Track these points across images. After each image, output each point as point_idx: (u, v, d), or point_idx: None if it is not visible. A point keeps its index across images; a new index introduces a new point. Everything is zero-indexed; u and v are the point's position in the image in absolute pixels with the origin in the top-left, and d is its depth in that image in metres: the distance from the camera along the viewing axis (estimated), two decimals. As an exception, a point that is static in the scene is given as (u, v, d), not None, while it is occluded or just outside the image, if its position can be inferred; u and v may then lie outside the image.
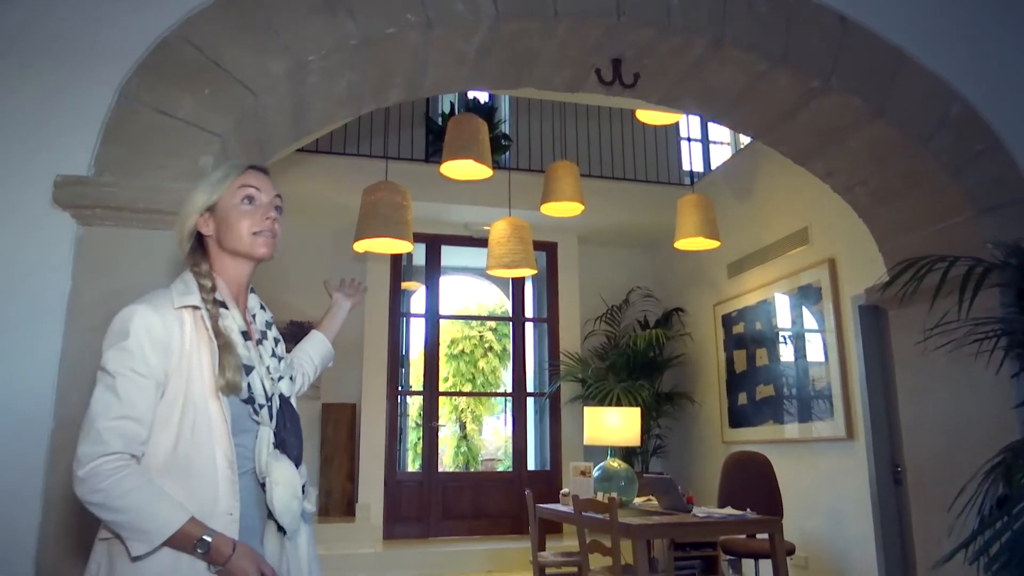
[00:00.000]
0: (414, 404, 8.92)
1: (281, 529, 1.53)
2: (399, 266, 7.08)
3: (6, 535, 1.96)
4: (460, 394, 12.00)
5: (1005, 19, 3.22)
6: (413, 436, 9.69)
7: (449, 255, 7.53)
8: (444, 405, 11.25)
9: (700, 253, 6.13)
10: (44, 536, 1.96)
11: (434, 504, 6.80)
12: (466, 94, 8.08)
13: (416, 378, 8.48)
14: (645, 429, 6.23)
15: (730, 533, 4.26)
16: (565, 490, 4.94)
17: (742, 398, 6.11)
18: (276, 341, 1.67)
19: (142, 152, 2.15)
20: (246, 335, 1.57)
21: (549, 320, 7.44)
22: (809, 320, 5.36)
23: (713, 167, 8.05)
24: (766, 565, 4.67)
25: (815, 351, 5.27)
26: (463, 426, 11.95)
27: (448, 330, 11.39)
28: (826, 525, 5.06)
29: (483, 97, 8.14)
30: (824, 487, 5.11)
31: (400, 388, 7.20)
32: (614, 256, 7.78)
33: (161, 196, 2.10)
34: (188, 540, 1.36)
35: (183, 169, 2.13)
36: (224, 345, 1.49)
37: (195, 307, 1.50)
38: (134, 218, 2.09)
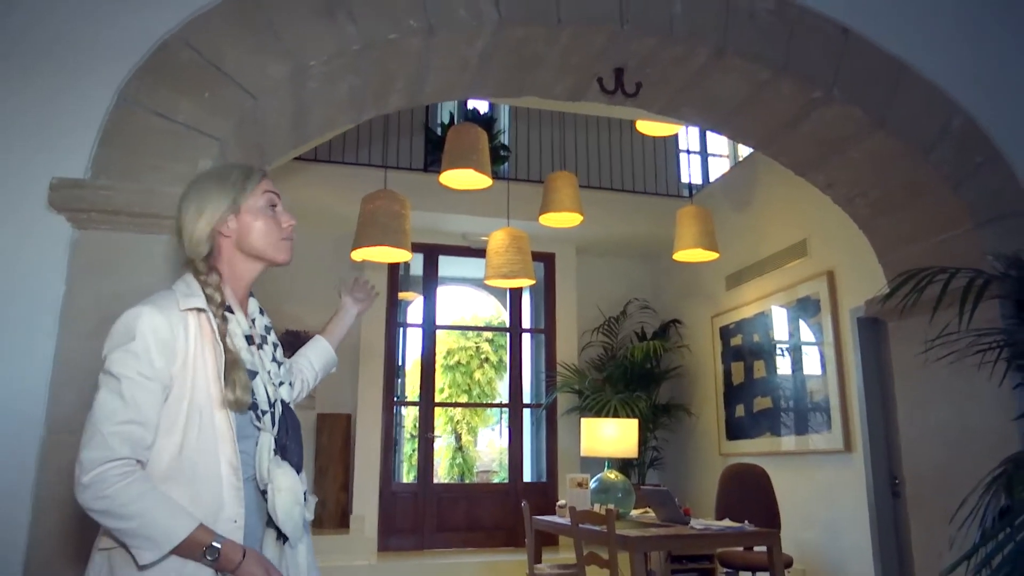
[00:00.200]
0: (409, 415, 8.88)
1: (280, 537, 1.50)
2: (396, 276, 7.06)
3: (3, 534, 1.93)
4: (456, 405, 11.95)
5: (1006, 32, 3.23)
6: (408, 447, 9.63)
7: (446, 265, 7.52)
8: (439, 416, 11.19)
9: (698, 265, 6.13)
10: (35, 538, 1.93)
11: (429, 516, 6.75)
12: (465, 104, 8.09)
13: (412, 389, 8.45)
14: (642, 441, 6.20)
15: (728, 545, 4.23)
16: (561, 502, 4.90)
17: (740, 410, 6.09)
18: (275, 346, 1.65)
19: (140, 155, 2.13)
20: (250, 339, 1.55)
21: (546, 331, 7.41)
22: (807, 332, 5.35)
23: (711, 179, 8.06)
24: (763, 578, 4.65)
25: (813, 363, 5.26)
26: (458, 437, 11.89)
27: (444, 341, 11.34)
28: (823, 537, 5.03)
29: (483, 107, 8.15)
30: (821, 499, 5.08)
31: (396, 399, 7.15)
32: (612, 267, 7.77)
33: (158, 200, 2.07)
34: (197, 547, 1.34)
35: (181, 173, 2.11)
36: (233, 362, 1.46)
37: (200, 309, 1.48)
38: (130, 222, 2.07)
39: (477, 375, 11.79)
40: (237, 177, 1.59)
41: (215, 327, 1.47)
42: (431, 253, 7.22)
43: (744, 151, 8.09)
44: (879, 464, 4.65)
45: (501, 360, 11.71)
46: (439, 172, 4.65)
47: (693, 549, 4.74)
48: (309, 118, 2.70)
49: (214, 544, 1.35)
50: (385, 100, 2.92)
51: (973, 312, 2.51)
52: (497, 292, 9.09)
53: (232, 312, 1.54)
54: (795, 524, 5.00)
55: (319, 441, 6.53)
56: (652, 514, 4.58)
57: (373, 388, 6.62)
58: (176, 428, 1.40)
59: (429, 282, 7.30)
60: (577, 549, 4.06)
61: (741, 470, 5.10)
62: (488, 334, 12.04)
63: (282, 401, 1.57)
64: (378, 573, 5.89)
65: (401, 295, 7.29)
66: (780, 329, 5.68)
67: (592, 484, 4.68)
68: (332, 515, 6.44)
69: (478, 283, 9.00)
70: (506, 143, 7.82)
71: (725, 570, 4.91)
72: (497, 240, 4.93)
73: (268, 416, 1.50)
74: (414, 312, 8.01)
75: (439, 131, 7.57)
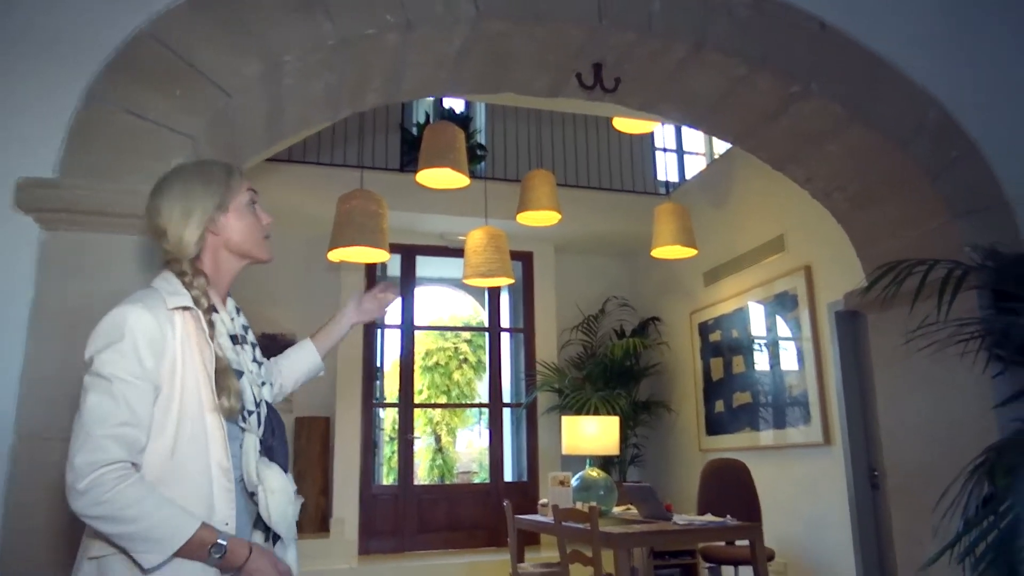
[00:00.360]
0: (388, 417, 8.82)
1: (269, 539, 1.47)
2: (373, 277, 7.00)
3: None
4: (436, 406, 11.90)
5: (980, 26, 3.26)
6: (387, 449, 9.57)
7: (424, 265, 7.47)
8: (419, 418, 11.14)
9: (676, 262, 6.13)
10: (6, 547, 1.87)
11: (410, 518, 6.70)
12: (441, 103, 8.05)
13: (391, 390, 8.39)
14: (622, 438, 6.20)
15: (711, 540, 4.24)
16: (543, 500, 4.89)
17: (719, 406, 6.12)
18: (254, 346, 1.61)
19: (110, 154, 2.08)
20: (234, 339, 1.52)
21: (525, 330, 7.39)
22: (785, 327, 5.38)
23: (687, 177, 8.10)
24: (745, 572, 4.66)
25: (791, 358, 5.29)
26: (438, 439, 11.84)
27: (422, 342, 11.29)
28: (804, 530, 5.06)
29: (459, 106, 8.12)
30: (802, 493, 5.11)
31: (375, 401, 7.10)
32: (590, 265, 7.77)
33: (131, 200, 2.02)
34: (202, 546, 1.31)
35: (154, 172, 2.02)
36: (224, 369, 1.43)
37: (186, 308, 1.44)
38: (101, 222, 2.01)
39: (456, 376, 11.76)
40: (221, 176, 1.56)
41: (204, 327, 1.44)
42: (408, 253, 7.17)
43: (720, 148, 8.14)
44: (858, 456, 4.68)
45: (480, 360, 11.68)
46: (415, 172, 4.61)
47: (676, 545, 4.76)
48: (284, 116, 2.65)
49: (220, 542, 1.32)
50: (362, 98, 2.88)
51: (951, 303, 2.53)
52: (475, 292, 9.06)
53: (217, 312, 1.51)
54: (776, 517, 5.02)
55: (298, 444, 6.45)
56: (634, 511, 4.58)
57: (351, 390, 6.56)
58: (167, 430, 1.36)
59: (407, 283, 7.25)
60: (560, 547, 4.04)
61: (722, 465, 5.12)
62: (466, 334, 12.00)
63: (266, 402, 1.54)
64: (359, 577, 5.84)
65: (379, 296, 7.22)
66: (758, 324, 5.71)
67: (574, 482, 4.67)
68: (312, 519, 6.37)
69: (456, 283, 8.96)
70: (482, 142, 7.79)
71: (708, 565, 4.93)
72: (475, 239, 4.90)
73: (254, 417, 1.48)
74: (392, 313, 7.95)
75: (415, 131, 7.52)
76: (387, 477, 9.17)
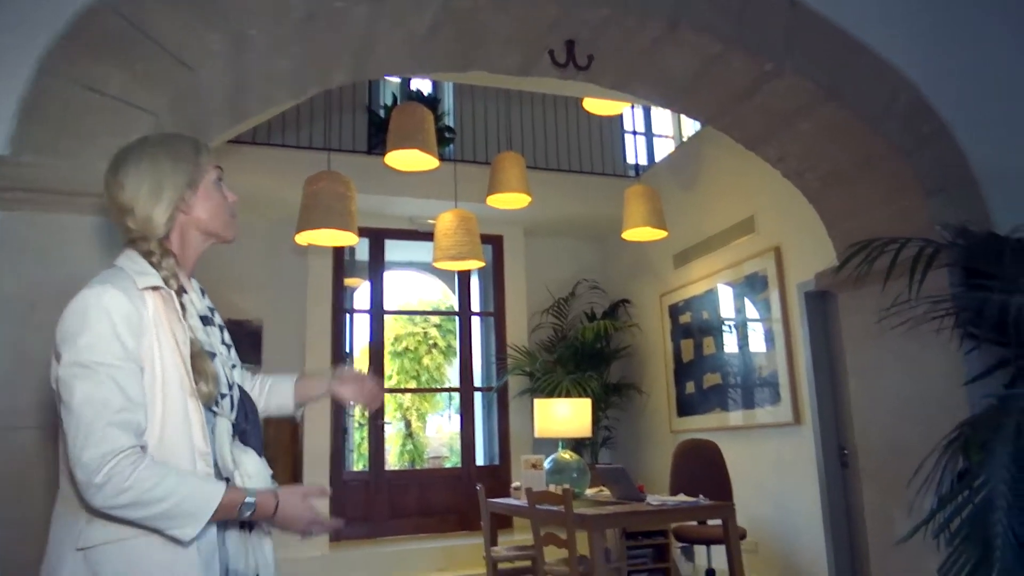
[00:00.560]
0: (358, 402, 8.73)
1: (245, 527, 1.42)
2: (341, 261, 6.90)
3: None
4: (407, 391, 11.84)
5: (952, 7, 3.27)
6: (357, 435, 9.50)
7: (393, 249, 7.39)
8: (389, 403, 11.08)
9: (646, 244, 6.13)
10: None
11: (381, 503, 6.66)
12: (409, 85, 7.95)
13: (360, 376, 8.29)
14: (594, 421, 6.20)
15: (684, 520, 4.26)
16: (516, 484, 4.88)
17: (690, 387, 6.15)
18: (222, 328, 1.55)
19: (68, 131, 1.99)
20: (204, 319, 1.46)
21: (496, 314, 7.36)
22: (755, 308, 5.41)
23: (656, 160, 8.10)
24: (717, 550, 4.70)
25: (761, 339, 5.32)
26: (408, 424, 11.79)
27: (391, 327, 11.21)
28: (774, 509, 5.12)
29: (426, 88, 8.02)
30: (772, 472, 5.17)
31: (344, 386, 7.00)
32: (560, 248, 7.75)
33: (90, 178, 1.92)
34: (233, 507, 1.31)
35: (113, 149, 1.96)
36: (199, 352, 1.37)
37: (156, 287, 1.38)
38: (59, 201, 1.92)
39: (426, 361, 11.71)
40: (190, 152, 1.49)
41: (177, 307, 1.38)
42: (377, 237, 7.08)
43: (688, 131, 8.15)
44: (828, 435, 4.73)
45: (450, 345, 11.64)
46: (383, 154, 4.53)
47: (650, 525, 4.78)
48: (250, 93, 2.57)
49: (248, 500, 1.33)
50: (330, 75, 2.80)
51: (923, 280, 2.55)
52: (445, 276, 8.99)
53: (186, 293, 1.45)
54: (746, 497, 5.06)
55: (267, 432, 6.21)
56: (607, 493, 4.59)
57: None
58: (155, 415, 1.31)
59: (376, 267, 7.16)
60: (535, 530, 4.03)
61: (693, 446, 5.15)
62: (435, 319, 11.95)
63: (238, 385, 1.48)
64: (331, 563, 5.79)
65: (347, 282, 7.14)
66: (728, 306, 5.74)
67: (547, 465, 4.66)
68: (281, 507, 6.30)
69: (425, 267, 8.89)
70: (451, 125, 7.71)
71: (680, 545, 4.97)
72: (445, 222, 4.85)
73: (227, 400, 1.42)
74: (360, 298, 7.86)
75: (382, 113, 7.41)
76: (357, 463, 9.10)
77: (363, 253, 7.16)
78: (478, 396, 7.37)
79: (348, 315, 7.15)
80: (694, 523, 4.67)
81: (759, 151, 3.49)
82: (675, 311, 6.44)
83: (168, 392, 1.33)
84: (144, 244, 1.42)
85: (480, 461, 7.22)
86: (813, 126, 3.19)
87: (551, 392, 6.31)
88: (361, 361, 8.01)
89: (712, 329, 5.89)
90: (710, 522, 4.61)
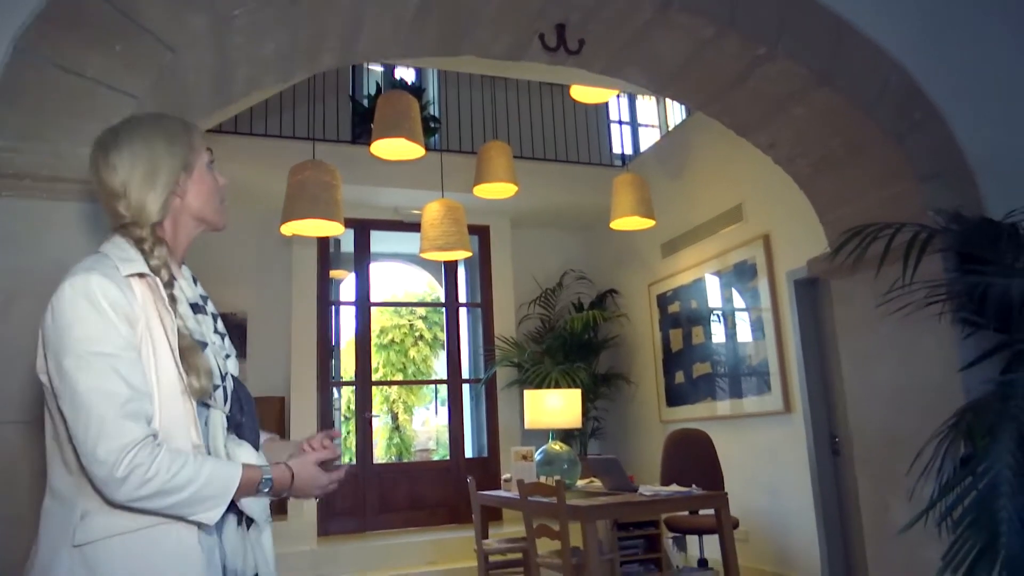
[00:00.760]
0: (344, 396, 8.68)
1: (242, 522, 1.36)
2: (327, 252, 6.82)
3: None
4: (395, 383, 11.77)
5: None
6: (344, 429, 9.42)
7: (378, 240, 7.31)
8: (375, 396, 11.00)
9: (633, 234, 6.11)
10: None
11: (370, 497, 6.60)
12: (393, 74, 7.87)
13: (346, 369, 8.23)
14: (583, 411, 6.19)
15: (677, 510, 4.24)
16: (506, 476, 4.84)
17: (679, 377, 6.13)
18: (215, 317, 1.48)
19: (45, 114, 1.91)
20: (195, 307, 1.40)
21: (483, 305, 7.31)
22: (745, 296, 5.40)
23: (641, 149, 8.07)
24: (708, 540, 4.69)
25: (751, 327, 5.31)
26: (395, 417, 11.73)
27: (377, 319, 11.12)
28: (766, 498, 5.12)
29: (410, 77, 7.94)
30: (763, 461, 5.16)
31: (332, 379, 6.94)
32: (547, 239, 7.71)
33: (69, 163, 1.86)
34: (251, 485, 1.31)
35: (94, 133, 1.87)
36: (190, 347, 1.31)
37: (143, 275, 1.31)
38: (38, 187, 1.85)
39: (412, 353, 11.63)
40: (183, 133, 1.42)
41: (163, 296, 1.32)
42: (362, 228, 7.00)
43: (673, 121, 8.12)
44: (819, 423, 4.73)
45: (436, 337, 11.57)
46: (368, 144, 4.46)
47: (643, 515, 4.75)
48: (234, 77, 2.49)
49: (266, 477, 1.32)
50: (315, 59, 2.73)
51: (917, 265, 2.53)
52: (431, 267, 8.93)
53: (176, 281, 1.38)
54: (737, 486, 5.06)
55: None
56: (598, 483, 4.56)
57: (307, 369, 6.40)
58: (154, 407, 1.26)
59: (361, 258, 7.09)
60: (527, 522, 4.00)
61: (684, 436, 5.13)
62: (421, 311, 11.87)
63: (232, 375, 1.42)
64: (319, 558, 5.73)
65: (332, 273, 7.06)
66: (717, 294, 5.72)
67: (537, 456, 4.62)
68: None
69: (411, 258, 8.82)
70: (436, 115, 7.63)
71: (672, 535, 4.95)
72: (432, 212, 4.79)
73: (220, 392, 1.36)
74: (346, 290, 7.79)
75: (366, 102, 7.32)
76: (344, 457, 9.04)
77: (348, 244, 7.08)
78: (466, 388, 7.33)
79: (334, 307, 7.08)
80: (685, 513, 4.66)
81: (750, 137, 3.45)
82: (663, 301, 6.41)
83: (163, 383, 1.27)
84: (136, 230, 1.35)
85: (469, 453, 7.18)
86: (805, 112, 3.16)
87: (540, 383, 6.27)
88: (347, 353, 7.93)
89: (701, 318, 5.88)
90: (701, 512, 4.60)
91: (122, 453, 1.17)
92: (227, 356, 1.44)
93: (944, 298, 2.54)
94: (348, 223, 6.30)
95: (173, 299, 1.33)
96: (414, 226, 5.86)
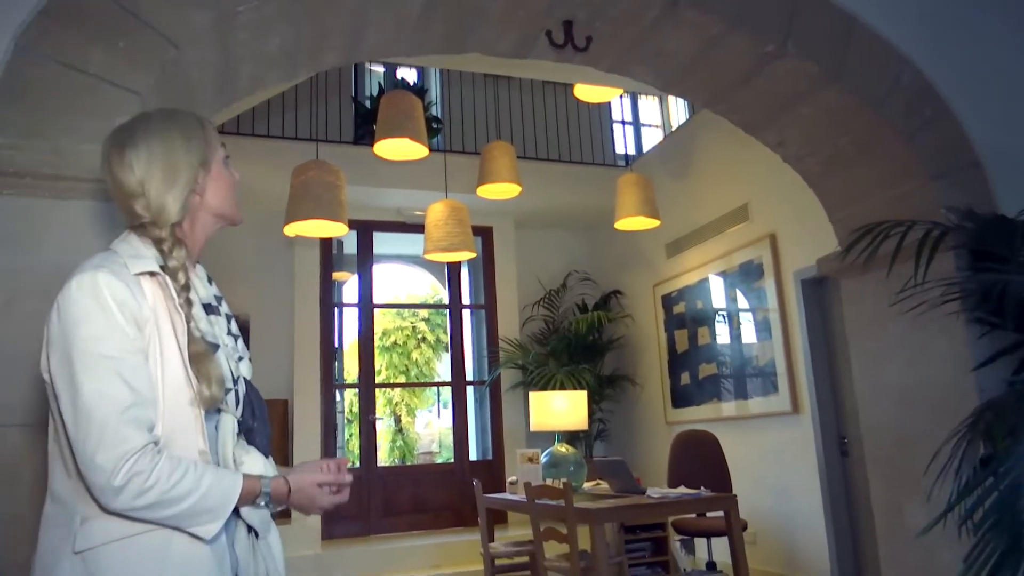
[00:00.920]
0: (346, 398, 8.64)
1: (251, 532, 1.32)
2: (329, 253, 6.78)
3: None
4: (399, 385, 11.72)
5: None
6: (347, 431, 9.39)
7: (381, 242, 7.28)
8: (378, 399, 10.96)
9: (637, 234, 6.08)
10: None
11: (374, 500, 6.56)
12: (395, 74, 7.85)
13: (349, 371, 8.20)
14: (588, 413, 6.15)
15: (686, 512, 4.20)
16: (512, 478, 4.80)
17: (685, 378, 6.09)
18: (229, 318, 1.44)
19: (47, 111, 1.87)
20: (208, 308, 1.35)
21: (487, 306, 7.27)
22: (751, 296, 5.36)
23: (643, 150, 8.04)
24: (717, 542, 4.65)
25: (758, 327, 5.27)
26: (398, 419, 11.69)
27: (379, 321, 11.09)
28: (773, 500, 5.08)
29: (412, 78, 7.92)
30: (770, 462, 5.12)
31: (335, 381, 6.90)
32: (550, 240, 7.67)
33: (70, 161, 1.83)
34: (250, 497, 1.27)
35: (96, 131, 1.85)
36: (202, 353, 1.26)
37: (153, 273, 1.27)
38: (40, 186, 1.81)
39: (415, 355, 11.59)
40: (198, 128, 1.38)
41: (173, 295, 1.27)
42: (365, 229, 6.97)
43: (676, 121, 8.09)
44: (827, 424, 4.69)
45: (439, 339, 11.54)
46: (370, 145, 4.43)
47: (653, 518, 4.72)
48: (238, 74, 2.46)
49: (265, 490, 1.28)
50: (319, 57, 2.70)
51: (929, 263, 2.49)
52: (434, 269, 8.89)
53: (192, 285, 1.34)
54: (745, 488, 5.01)
55: None
56: (604, 486, 4.52)
57: (310, 372, 6.36)
58: (156, 411, 1.22)
59: (364, 259, 7.05)
60: (534, 525, 3.96)
61: (692, 437, 5.09)
62: (424, 313, 11.84)
63: (244, 379, 1.38)
64: (323, 562, 5.70)
65: (335, 276, 7.03)
66: (723, 295, 5.69)
67: (543, 458, 4.58)
68: (272, 505, 6.19)
69: (413, 260, 8.79)
70: (438, 115, 7.60)
71: (679, 538, 4.91)
72: (436, 212, 4.75)
73: (231, 395, 1.31)
74: (349, 292, 7.75)
75: (368, 104, 7.29)
76: (348, 459, 8.99)
77: (351, 246, 7.05)
78: (470, 390, 7.29)
79: (336, 309, 7.05)
80: (693, 515, 4.62)
81: (758, 136, 3.42)
82: (668, 301, 6.38)
83: (168, 387, 1.23)
84: (155, 231, 1.30)
85: (473, 456, 7.14)
86: (814, 109, 3.12)
87: (544, 385, 6.24)
88: (350, 356, 7.89)
89: (707, 319, 5.84)
90: (709, 514, 4.55)
91: (121, 460, 1.14)
92: (239, 359, 1.40)
93: (964, 295, 2.50)
94: (351, 224, 6.26)
95: (189, 303, 1.28)
96: (417, 227, 5.83)
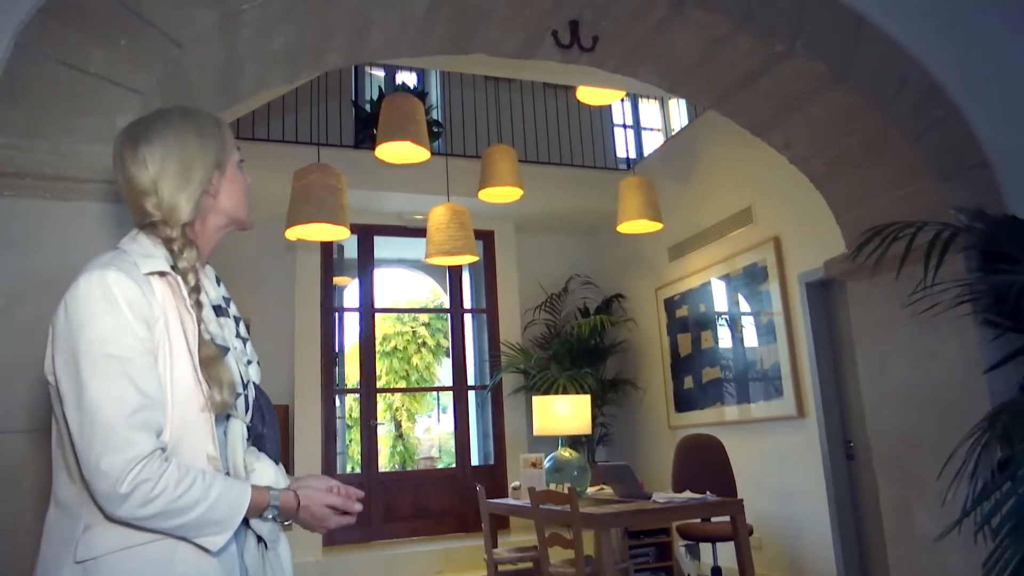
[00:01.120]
0: (348, 403, 8.59)
1: (260, 542, 1.29)
2: (330, 257, 6.75)
3: None
4: (400, 390, 11.67)
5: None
6: (348, 436, 9.34)
7: (382, 246, 7.25)
8: (379, 404, 10.91)
9: (639, 238, 6.05)
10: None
11: (375, 506, 6.52)
12: (394, 78, 7.83)
13: (350, 376, 8.16)
14: (591, 417, 6.11)
15: (692, 517, 4.16)
16: (515, 483, 4.76)
17: (688, 382, 6.06)
18: (237, 320, 1.40)
19: (47, 111, 1.84)
20: (218, 310, 1.32)
21: (488, 311, 7.24)
22: (755, 299, 5.33)
23: (644, 153, 8.02)
24: (722, 547, 4.61)
25: (762, 330, 5.24)
26: (398, 425, 11.63)
27: (379, 326, 11.04)
28: (779, 504, 5.04)
29: (412, 81, 7.90)
30: (775, 466, 5.08)
31: (336, 387, 6.86)
32: (552, 243, 7.64)
33: (71, 161, 1.80)
34: (259, 509, 1.24)
35: (98, 130, 1.83)
36: (212, 358, 1.22)
37: (163, 273, 1.24)
38: (38, 186, 1.78)
39: (415, 360, 11.53)
40: (214, 128, 1.35)
41: (184, 296, 1.24)
42: (366, 233, 6.94)
43: (676, 124, 8.07)
44: (833, 428, 4.65)
45: (439, 344, 11.49)
46: (371, 149, 4.40)
47: (659, 523, 4.68)
48: (240, 74, 2.43)
49: (274, 503, 1.25)
50: (322, 58, 2.67)
51: (939, 265, 2.46)
52: (435, 273, 8.85)
53: (202, 287, 1.31)
54: (750, 492, 4.98)
55: None
56: (608, 491, 4.48)
57: (311, 377, 6.32)
58: (168, 416, 1.18)
59: (365, 264, 7.02)
60: (539, 531, 3.92)
61: (696, 441, 5.06)
62: (424, 317, 11.79)
63: (254, 383, 1.35)
64: (325, 569, 5.65)
65: (336, 280, 6.99)
66: (727, 298, 5.65)
67: (546, 463, 4.55)
68: (272, 511, 6.14)
69: (415, 264, 8.75)
70: (438, 119, 7.58)
71: (684, 543, 4.87)
72: (438, 216, 4.72)
73: (240, 400, 1.27)
74: (350, 296, 7.72)
75: (368, 108, 7.27)
76: (348, 465, 8.94)
77: (352, 250, 7.01)
78: (471, 395, 7.25)
79: (337, 313, 7.01)
80: (698, 520, 4.58)
81: (765, 137, 3.39)
82: (671, 305, 6.34)
83: (177, 390, 1.19)
84: (165, 230, 1.27)
85: (475, 461, 7.10)
86: (821, 110, 3.10)
87: (546, 389, 6.20)
88: (351, 360, 7.85)
89: (710, 322, 5.80)
90: (714, 519, 4.52)
91: (127, 466, 1.09)
92: (249, 362, 1.36)
93: (976, 297, 2.47)
94: (352, 229, 6.24)
95: (199, 304, 1.25)
96: (418, 231, 5.80)
